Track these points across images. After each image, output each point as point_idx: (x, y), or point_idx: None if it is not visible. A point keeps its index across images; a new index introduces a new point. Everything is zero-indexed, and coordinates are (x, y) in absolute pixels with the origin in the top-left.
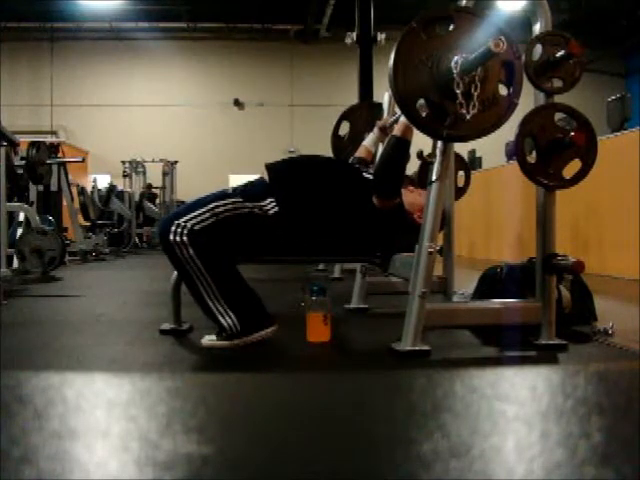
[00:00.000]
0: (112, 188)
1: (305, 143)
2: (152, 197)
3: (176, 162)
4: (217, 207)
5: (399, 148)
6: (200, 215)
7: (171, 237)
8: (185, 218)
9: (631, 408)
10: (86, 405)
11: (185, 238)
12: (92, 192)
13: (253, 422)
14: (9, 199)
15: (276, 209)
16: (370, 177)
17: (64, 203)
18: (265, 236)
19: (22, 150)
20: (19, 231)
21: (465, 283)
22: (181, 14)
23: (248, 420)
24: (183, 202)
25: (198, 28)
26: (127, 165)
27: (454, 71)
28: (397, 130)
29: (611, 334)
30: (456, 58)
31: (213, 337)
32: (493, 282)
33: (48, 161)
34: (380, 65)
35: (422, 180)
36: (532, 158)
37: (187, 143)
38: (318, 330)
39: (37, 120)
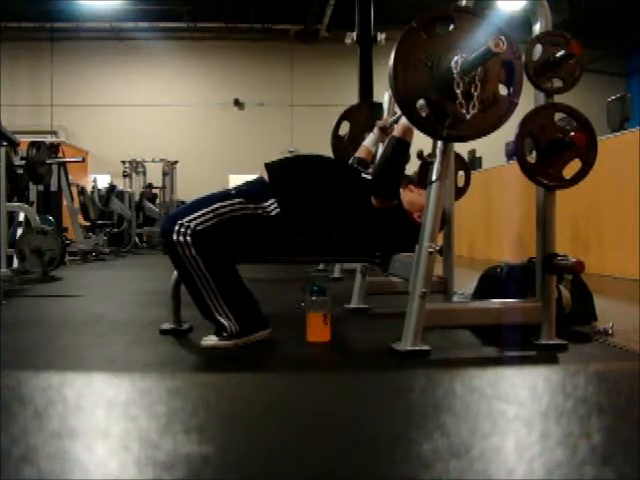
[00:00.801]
0: (112, 188)
1: (305, 143)
2: (152, 197)
3: (176, 162)
4: (220, 208)
5: (399, 149)
6: (203, 215)
7: (174, 237)
8: (188, 218)
9: (631, 408)
10: (86, 405)
11: (188, 238)
12: (92, 192)
13: (253, 422)
14: (9, 199)
15: (278, 210)
16: (369, 177)
17: (64, 203)
18: (267, 237)
19: (22, 150)
20: (19, 231)
21: (465, 283)
22: (181, 14)
23: (248, 420)
24: (183, 202)
25: (198, 28)
26: (127, 165)
27: (454, 71)
28: (397, 131)
29: (611, 334)
30: (456, 58)
31: (213, 337)
32: (493, 282)
33: (48, 161)
34: (380, 65)
35: (422, 180)
36: (532, 158)
37: (187, 143)
38: (318, 330)
39: (37, 120)
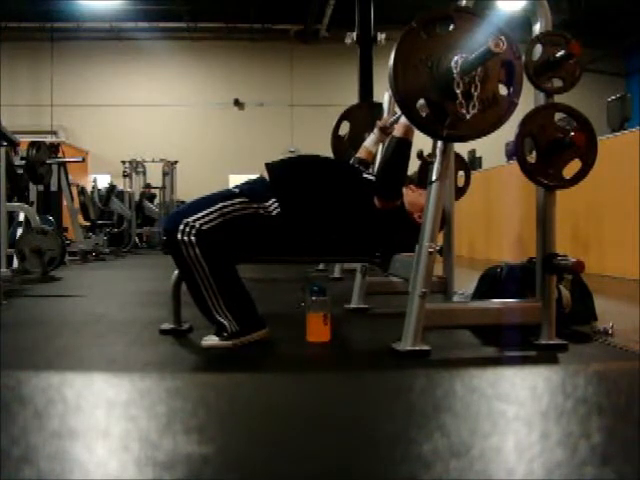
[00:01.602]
0: (112, 188)
1: (305, 143)
2: (151, 197)
3: (176, 162)
4: (225, 207)
5: (400, 149)
6: (208, 215)
7: (179, 236)
8: (194, 217)
9: (631, 408)
10: (86, 405)
11: (193, 238)
12: (92, 192)
13: (253, 422)
14: (9, 199)
15: (279, 209)
16: (370, 177)
17: (64, 203)
18: (268, 236)
19: (22, 150)
20: (19, 231)
21: (465, 283)
22: (181, 14)
23: (248, 420)
24: (183, 202)
25: (198, 28)
26: (127, 165)
27: (454, 71)
28: (398, 131)
29: (611, 334)
30: (456, 58)
31: (213, 337)
32: (493, 282)
33: (48, 161)
34: (380, 65)
35: (422, 180)
36: (532, 158)
37: (187, 143)
38: (318, 330)
39: (37, 120)
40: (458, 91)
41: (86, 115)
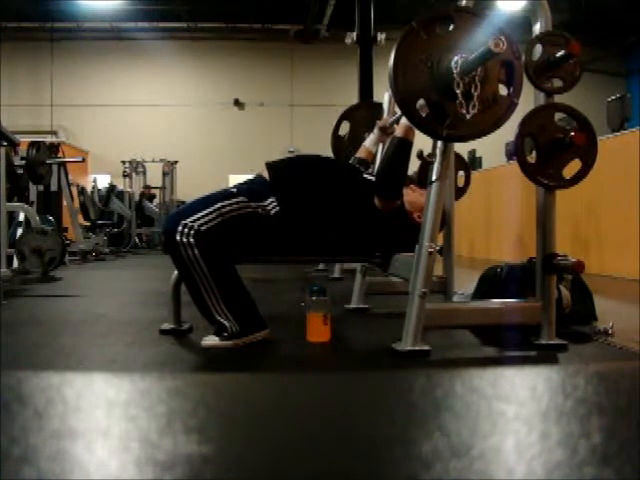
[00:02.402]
0: (112, 188)
1: (305, 143)
2: (151, 197)
3: (176, 162)
4: (223, 207)
5: (401, 149)
6: (207, 215)
7: (177, 237)
8: (192, 218)
9: (631, 408)
10: (86, 405)
11: (192, 239)
12: (92, 192)
13: (253, 422)
14: (9, 199)
15: (277, 209)
16: (370, 178)
17: (64, 203)
18: (266, 236)
19: (22, 150)
20: (19, 231)
21: (465, 283)
22: (181, 14)
23: (248, 420)
24: (183, 202)
25: (198, 28)
26: (127, 165)
27: (454, 71)
28: (399, 131)
29: (611, 334)
30: (456, 58)
31: (213, 337)
32: (493, 282)
33: (48, 161)
34: (380, 65)
35: (422, 180)
36: (532, 158)
37: (187, 143)
38: (318, 330)
39: (37, 120)
40: (458, 91)
41: (86, 115)
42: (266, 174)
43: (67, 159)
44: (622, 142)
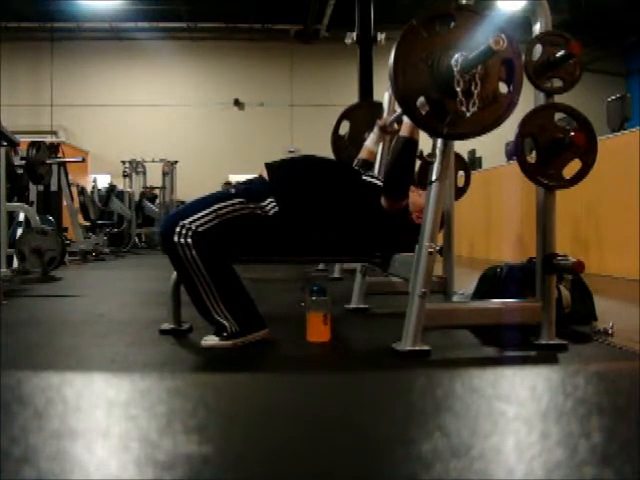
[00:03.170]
0: (112, 188)
1: (305, 143)
2: (152, 198)
3: (176, 162)
4: (221, 208)
5: (407, 149)
6: (204, 217)
7: (175, 238)
8: (190, 219)
9: (631, 408)
10: (86, 405)
11: (189, 240)
12: (92, 192)
13: (253, 422)
14: (9, 199)
15: (276, 209)
16: (370, 179)
17: (64, 203)
18: (266, 236)
19: (22, 150)
20: (19, 231)
21: (465, 283)
22: (181, 14)
23: (248, 420)
24: (183, 202)
25: (198, 28)
26: (127, 165)
27: (454, 69)
28: (404, 130)
29: (611, 334)
30: (456, 56)
31: (213, 337)
32: (493, 282)
33: (48, 161)
34: (380, 65)
35: (422, 180)
36: (532, 158)
37: (187, 143)
38: (318, 330)
39: (37, 120)
40: (458, 89)
41: (86, 115)
42: (266, 175)
43: (67, 159)
44: (622, 142)
